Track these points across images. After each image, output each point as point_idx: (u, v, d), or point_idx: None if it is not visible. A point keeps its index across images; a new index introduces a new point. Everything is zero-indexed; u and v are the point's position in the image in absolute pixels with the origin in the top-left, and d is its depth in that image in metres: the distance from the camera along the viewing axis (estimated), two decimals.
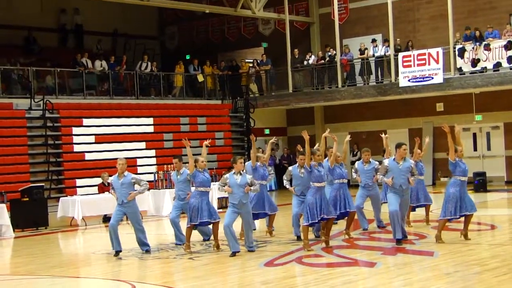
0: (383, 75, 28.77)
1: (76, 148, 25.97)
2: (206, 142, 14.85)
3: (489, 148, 29.23)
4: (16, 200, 20.16)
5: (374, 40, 29.27)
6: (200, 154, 14.59)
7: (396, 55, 27.63)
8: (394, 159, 13.53)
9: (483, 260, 11.62)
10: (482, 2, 28.33)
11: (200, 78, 31.30)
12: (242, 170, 13.43)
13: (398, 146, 13.56)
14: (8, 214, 19.26)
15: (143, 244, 14.07)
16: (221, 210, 19.79)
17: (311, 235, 14.23)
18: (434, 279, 10.41)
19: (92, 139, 26.41)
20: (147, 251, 13.98)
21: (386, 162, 13.67)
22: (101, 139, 26.56)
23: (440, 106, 29.84)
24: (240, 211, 13.23)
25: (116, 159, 25.43)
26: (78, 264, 14.08)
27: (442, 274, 10.68)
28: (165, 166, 22.67)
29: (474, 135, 29.49)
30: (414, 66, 26.96)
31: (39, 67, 27.79)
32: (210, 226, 14.27)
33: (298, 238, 14.54)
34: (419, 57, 26.87)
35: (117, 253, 13.75)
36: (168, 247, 14.75)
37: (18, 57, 29.17)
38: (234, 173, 13.31)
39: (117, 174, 14.18)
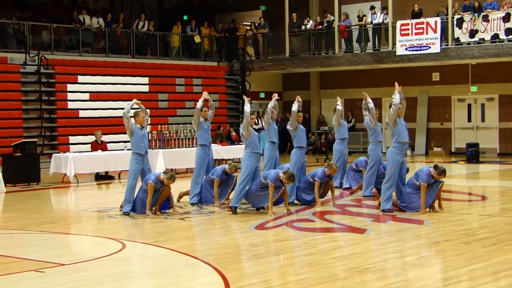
0: (380, 43, 28.67)
1: (70, 105, 25.89)
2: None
3: (483, 120, 29.26)
4: (8, 155, 20.15)
5: (372, 8, 29.11)
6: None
7: (394, 23, 27.52)
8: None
9: (472, 230, 11.69)
10: None
11: (197, 39, 31.16)
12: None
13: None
14: (0, 169, 19.30)
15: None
16: None
17: None
18: (423, 247, 10.47)
19: (86, 96, 26.32)
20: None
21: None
22: (95, 96, 26.47)
23: (436, 76, 29.82)
24: None
25: (110, 117, 25.86)
26: (69, 221, 14.10)
27: (431, 243, 10.73)
28: (159, 126, 22.63)
29: (469, 106, 29.52)
30: (411, 35, 26.87)
31: (35, 22, 27.57)
32: None
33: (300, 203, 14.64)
34: (417, 26, 26.77)
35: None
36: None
37: (14, 11, 28.93)
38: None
39: (139, 125, 13.88)
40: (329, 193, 14.79)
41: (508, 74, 27.95)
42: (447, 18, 26.49)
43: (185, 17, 32.81)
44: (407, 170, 14.28)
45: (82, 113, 25.95)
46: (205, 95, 15.17)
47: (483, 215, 13.57)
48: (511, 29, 25.11)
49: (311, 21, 30.50)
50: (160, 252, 10.34)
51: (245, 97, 14.69)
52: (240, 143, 23.79)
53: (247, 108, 13.96)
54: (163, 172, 13.67)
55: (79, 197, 18.49)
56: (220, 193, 14.69)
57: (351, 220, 12.88)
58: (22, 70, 25.25)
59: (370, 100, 15.90)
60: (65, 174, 20.30)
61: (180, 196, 15.49)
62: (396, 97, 13.44)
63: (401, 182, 13.68)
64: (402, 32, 27.10)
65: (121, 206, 14.05)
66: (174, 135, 22.16)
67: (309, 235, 11.51)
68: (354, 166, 16.92)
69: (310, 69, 31.42)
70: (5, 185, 18.59)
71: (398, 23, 27.27)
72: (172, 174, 13.55)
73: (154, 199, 13.60)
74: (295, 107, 14.86)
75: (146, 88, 28.08)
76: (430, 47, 26.43)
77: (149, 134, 22.30)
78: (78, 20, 27.81)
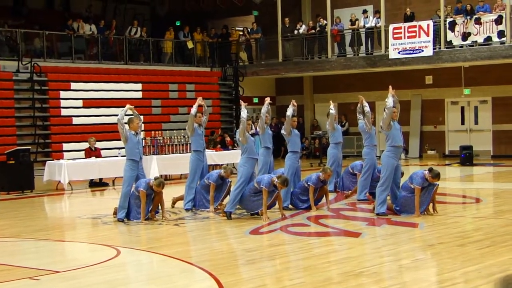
0: (373, 47, 28.72)
1: (64, 112, 25.86)
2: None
3: (476, 122, 29.32)
4: (2, 162, 20.13)
5: (365, 11, 29.17)
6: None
7: (386, 27, 27.57)
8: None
9: (467, 233, 11.69)
10: None
11: (190, 45, 31.17)
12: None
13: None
14: None
15: None
16: None
17: None
18: (418, 250, 10.47)
19: (79, 103, 26.29)
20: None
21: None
22: (88, 103, 26.44)
23: (429, 79, 29.88)
24: None
25: (103, 124, 25.84)
26: (63, 228, 14.07)
27: (426, 246, 10.73)
28: (152, 132, 22.61)
29: (462, 108, 29.58)
30: (404, 38, 26.92)
31: (27, 29, 27.53)
32: None
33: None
34: (409, 30, 26.83)
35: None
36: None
37: (6, 19, 28.89)
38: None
39: (134, 131, 13.87)
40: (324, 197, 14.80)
41: (501, 76, 28.03)
42: (440, 21, 26.55)
43: (178, 23, 32.82)
44: (402, 173, 14.30)
45: (75, 120, 25.92)
46: (199, 101, 15.15)
47: (477, 217, 13.58)
48: (504, 32, 25.18)
49: (303, 26, 30.55)
50: (155, 258, 10.32)
51: (242, 103, 14.66)
52: (234, 148, 23.81)
53: (243, 113, 13.94)
54: (154, 178, 13.68)
55: (73, 204, 18.45)
56: (214, 198, 14.71)
57: (346, 224, 12.88)
58: (14, 77, 25.22)
59: (366, 104, 15.94)
60: (59, 181, 20.26)
61: (174, 202, 15.49)
62: (389, 101, 13.44)
63: (396, 185, 13.70)
64: (395, 36, 27.15)
65: (114, 213, 14.03)
66: (168, 141, 22.14)
67: (303, 239, 11.49)
68: (350, 170, 16.93)
69: (303, 73, 31.45)
70: None
71: (391, 26, 27.32)
72: (161, 181, 13.54)
73: (147, 206, 13.59)
74: (289, 111, 14.86)
75: (139, 95, 28.06)
76: (423, 51, 26.48)
77: (143, 140, 22.30)
78: (70, 27, 27.78)
